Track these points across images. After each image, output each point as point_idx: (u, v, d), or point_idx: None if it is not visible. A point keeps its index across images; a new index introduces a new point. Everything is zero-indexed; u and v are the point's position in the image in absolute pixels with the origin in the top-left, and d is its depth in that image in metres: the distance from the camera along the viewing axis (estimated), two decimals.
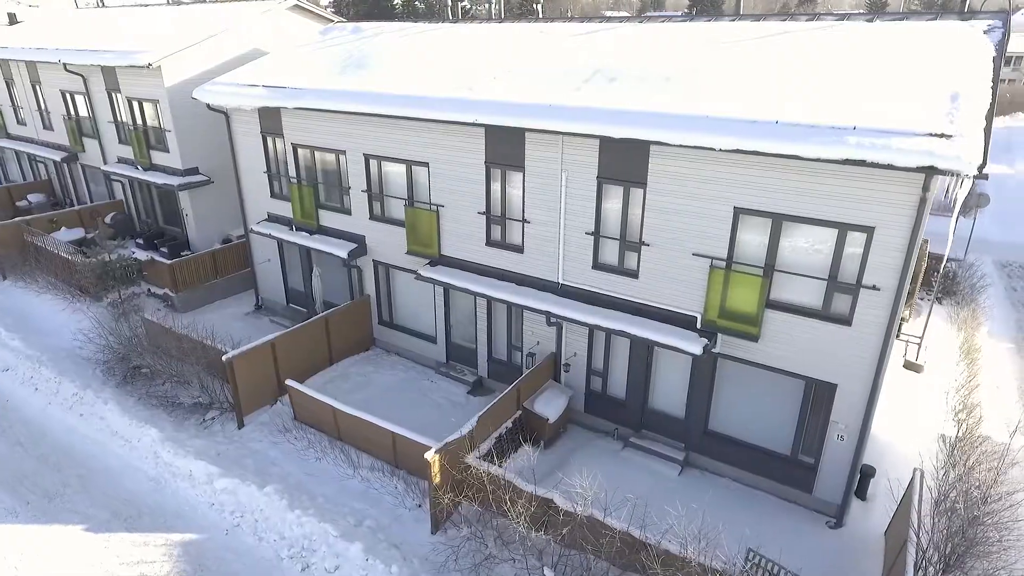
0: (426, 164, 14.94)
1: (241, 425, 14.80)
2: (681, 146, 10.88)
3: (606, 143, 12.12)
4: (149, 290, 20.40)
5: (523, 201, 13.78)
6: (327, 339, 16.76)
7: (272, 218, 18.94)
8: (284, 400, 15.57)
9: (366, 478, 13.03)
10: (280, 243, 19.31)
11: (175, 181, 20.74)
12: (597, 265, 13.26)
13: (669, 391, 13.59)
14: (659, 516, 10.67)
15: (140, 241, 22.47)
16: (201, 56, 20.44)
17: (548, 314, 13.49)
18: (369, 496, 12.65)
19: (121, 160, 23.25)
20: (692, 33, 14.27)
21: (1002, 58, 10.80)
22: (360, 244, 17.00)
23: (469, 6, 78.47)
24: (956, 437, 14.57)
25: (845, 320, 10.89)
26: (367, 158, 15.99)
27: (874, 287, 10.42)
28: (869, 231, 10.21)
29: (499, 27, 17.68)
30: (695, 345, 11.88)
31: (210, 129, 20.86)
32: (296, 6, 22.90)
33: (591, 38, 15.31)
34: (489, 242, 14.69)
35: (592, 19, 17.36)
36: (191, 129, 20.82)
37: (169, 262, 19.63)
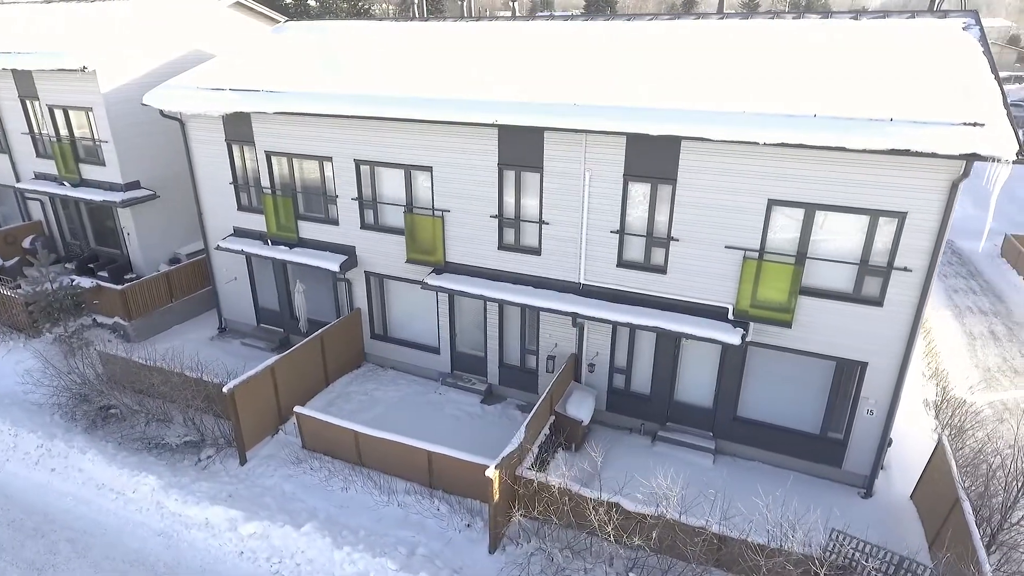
0: (429, 168, 14.27)
1: (244, 461, 13.51)
2: (723, 141, 11.03)
3: (634, 140, 12.08)
4: (95, 320, 18.17)
5: (540, 202, 13.48)
6: (323, 359, 15.65)
7: (240, 233, 17.42)
8: (286, 429, 14.41)
9: (403, 503, 12.28)
10: (249, 259, 17.84)
11: (116, 197, 18.59)
12: (622, 263, 13.21)
13: (696, 382, 13.80)
14: (706, 505, 10.78)
15: (71, 266, 19.98)
16: (139, 58, 18.45)
17: (575, 315, 13.30)
18: (411, 522, 11.92)
19: (40, 176, 20.54)
20: (684, 32, 14.55)
21: (990, 52, 11.77)
22: (351, 256, 15.99)
23: (367, 5, 76.59)
24: (938, 401, 15.89)
25: (876, 301, 11.48)
26: (358, 164, 15.05)
27: (905, 269, 11.05)
28: (901, 216, 10.81)
29: (474, 25, 17.22)
30: (733, 336, 12.12)
31: (153, 138, 19.03)
32: (238, 3, 21.22)
33: (582, 37, 15.24)
34: (502, 246, 14.26)
35: (573, 17, 17.27)
36: (131, 139, 18.76)
37: (120, 288, 17.56)
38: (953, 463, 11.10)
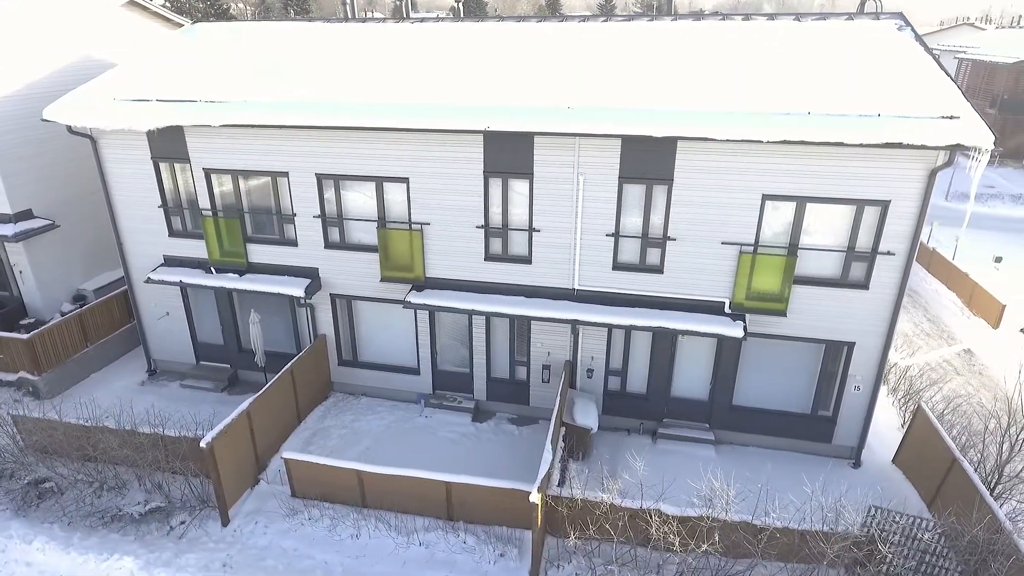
0: (405, 180, 13.36)
1: (226, 521, 11.91)
2: (726, 140, 11.22)
3: (630, 142, 12.01)
4: None
5: (530, 209, 13.07)
6: (294, 394, 14.22)
7: (173, 262, 15.38)
8: (267, 477, 12.93)
9: (425, 542, 11.42)
10: (185, 291, 15.81)
11: (6, 231, 15.71)
12: (617, 266, 13.13)
13: (693, 377, 14.05)
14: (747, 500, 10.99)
15: None
16: (22, 66, 15.72)
17: (575, 322, 13.06)
18: (439, 561, 11.11)
19: None
20: (641, 34, 14.63)
21: (931, 51, 12.94)
22: (314, 278, 14.64)
23: (227, 5, 71.95)
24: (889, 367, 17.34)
25: (863, 285, 12.26)
26: (320, 179, 13.78)
27: (889, 253, 11.89)
28: (885, 204, 11.59)
29: (413, 27, 16.27)
30: (736, 329, 12.45)
31: (44, 158, 16.50)
32: (132, 2, 18.71)
33: (547, 38, 14.95)
34: (488, 257, 13.68)
35: (525, 19, 16.94)
36: (18, 160, 16.00)
37: (25, 337, 14.86)
38: (940, 428, 12.12)
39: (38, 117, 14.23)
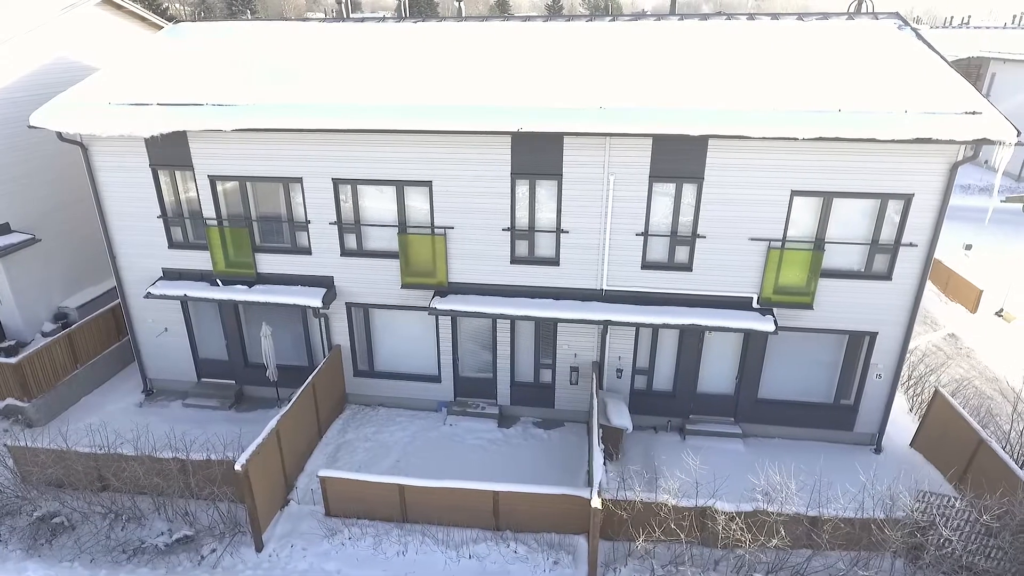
0: (428, 183, 13.01)
1: (260, 547, 11.34)
2: (761, 138, 11.35)
3: (661, 141, 12.01)
4: None
5: (559, 210, 12.93)
6: (315, 409, 13.67)
7: (172, 275, 14.56)
8: (297, 498, 12.37)
9: (475, 554, 11.13)
10: (185, 305, 14.99)
11: None
12: (646, 264, 13.13)
13: (719, 372, 14.17)
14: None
15: None
16: None
17: (607, 323, 13.01)
18: (491, 573, 10.86)
19: None
20: (650, 34, 14.66)
21: (936, 49, 13.43)
22: (329, 287, 14.10)
23: (165, 4, 69.59)
24: None
25: (885, 276, 12.62)
26: (337, 184, 13.28)
27: (911, 244, 12.28)
28: (908, 197, 11.96)
29: (410, 27, 15.85)
30: (767, 324, 12.64)
31: (16, 168, 15.32)
32: (106, 1, 17.61)
33: (557, 39, 14.82)
34: (515, 259, 13.46)
35: (530, 18, 16.77)
36: None
37: (14, 361, 13.77)
38: (963, 410, 12.59)
39: (13, 123, 13.26)
